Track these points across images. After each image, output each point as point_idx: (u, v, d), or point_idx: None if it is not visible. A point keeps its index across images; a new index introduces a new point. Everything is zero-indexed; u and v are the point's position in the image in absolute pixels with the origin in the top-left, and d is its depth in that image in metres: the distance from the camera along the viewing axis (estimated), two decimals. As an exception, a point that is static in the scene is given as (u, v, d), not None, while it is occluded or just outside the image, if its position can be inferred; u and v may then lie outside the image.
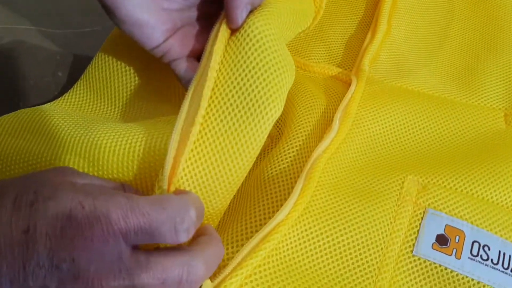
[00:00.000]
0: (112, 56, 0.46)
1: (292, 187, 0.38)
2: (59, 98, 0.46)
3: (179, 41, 0.39)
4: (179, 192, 0.31)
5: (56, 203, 0.25)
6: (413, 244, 0.36)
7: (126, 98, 0.46)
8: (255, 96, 0.32)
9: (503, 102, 0.46)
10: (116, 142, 0.36)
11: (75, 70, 0.54)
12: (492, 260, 0.35)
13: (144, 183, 0.36)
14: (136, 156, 0.35)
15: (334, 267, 0.35)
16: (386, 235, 0.36)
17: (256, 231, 0.36)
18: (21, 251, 0.24)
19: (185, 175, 0.32)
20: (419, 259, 0.35)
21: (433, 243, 0.36)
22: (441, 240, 0.36)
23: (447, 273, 0.35)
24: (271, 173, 0.39)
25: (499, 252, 0.36)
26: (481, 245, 0.36)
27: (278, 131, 0.43)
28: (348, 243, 0.35)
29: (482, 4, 0.55)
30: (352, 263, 0.35)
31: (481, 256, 0.35)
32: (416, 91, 0.46)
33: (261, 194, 0.38)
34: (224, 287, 0.31)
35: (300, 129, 0.41)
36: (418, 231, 0.36)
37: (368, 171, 0.40)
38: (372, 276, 0.35)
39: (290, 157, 0.40)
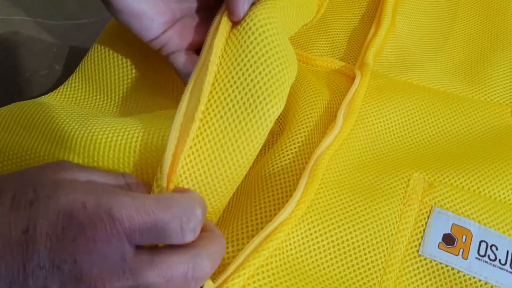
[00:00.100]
0: (109, 48, 0.45)
1: (295, 184, 0.37)
2: (54, 91, 0.45)
3: (178, 33, 0.38)
4: (179, 190, 0.30)
5: (57, 202, 0.25)
6: (419, 244, 0.35)
7: (123, 91, 0.44)
8: (256, 92, 0.31)
9: (510, 97, 0.45)
10: (112, 137, 0.35)
11: (72, 62, 0.52)
12: (500, 260, 0.35)
13: (140, 180, 0.35)
14: (133, 152, 0.34)
15: (338, 267, 0.34)
16: (392, 235, 0.35)
17: (258, 229, 0.35)
18: (20, 251, 0.24)
19: (184, 172, 0.31)
20: (425, 259, 0.35)
21: (439, 243, 0.35)
22: (448, 240, 0.35)
23: (453, 274, 0.34)
24: (273, 169, 0.38)
25: (507, 252, 0.35)
26: (489, 244, 0.35)
27: (279, 126, 0.42)
28: (353, 243, 0.35)
29: (487, -1, 0.54)
30: (357, 263, 0.34)
31: (488, 256, 0.35)
32: (421, 85, 0.45)
33: (262, 191, 0.37)
34: None
35: (302, 124, 0.40)
36: (424, 230, 0.35)
37: (373, 168, 0.39)
38: (377, 277, 0.34)
39: (292, 153, 0.39)
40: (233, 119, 0.32)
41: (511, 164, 0.39)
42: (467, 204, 0.36)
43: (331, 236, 0.35)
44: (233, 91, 0.32)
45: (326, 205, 0.36)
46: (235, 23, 0.34)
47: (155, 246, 0.28)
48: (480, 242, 0.35)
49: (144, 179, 0.35)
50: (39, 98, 0.44)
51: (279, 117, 0.42)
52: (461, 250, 0.35)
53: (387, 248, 0.35)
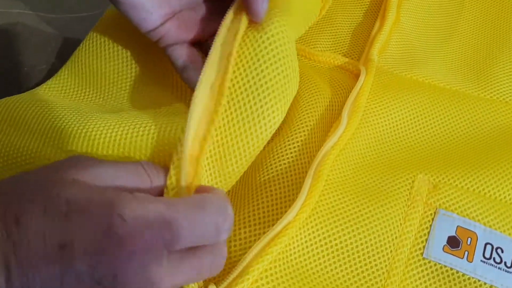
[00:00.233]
0: (103, 40, 0.44)
1: (298, 185, 0.37)
2: (42, 85, 0.44)
3: (177, 25, 0.37)
4: (203, 190, 0.30)
5: (93, 217, 0.24)
6: (424, 247, 0.35)
7: (116, 85, 0.43)
8: (260, 101, 0.32)
9: (517, 96, 0.44)
10: (106, 134, 0.34)
11: (72, 57, 0.52)
12: (505, 263, 0.34)
13: (157, 165, 0.34)
14: (127, 150, 0.34)
15: (342, 270, 0.34)
16: (396, 237, 0.35)
17: (260, 228, 0.35)
18: (58, 266, 0.23)
19: (206, 171, 0.31)
20: (429, 262, 0.34)
21: (444, 246, 0.35)
22: (453, 243, 0.35)
23: (458, 277, 0.34)
24: (275, 169, 0.37)
25: (513, 254, 0.35)
26: (494, 247, 0.35)
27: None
28: (357, 246, 0.34)
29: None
30: (361, 267, 0.34)
31: (494, 259, 0.34)
32: (426, 83, 0.44)
33: (265, 192, 0.37)
34: None
35: (302, 123, 0.40)
36: (428, 232, 0.35)
37: (377, 169, 0.38)
38: (381, 280, 0.34)
39: (293, 152, 0.38)
40: (237, 120, 0.32)
41: (516, 164, 0.38)
42: (472, 206, 0.36)
43: (335, 239, 0.34)
44: (241, 92, 0.32)
45: (330, 207, 0.36)
46: (252, 22, 0.33)
47: None
48: (486, 244, 0.35)
49: None
50: (25, 93, 0.43)
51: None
52: (466, 252, 0.34)
53: (391, 251, 0.34)
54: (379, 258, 0.34)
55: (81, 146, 0.34)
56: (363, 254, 0.34)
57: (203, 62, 0.33)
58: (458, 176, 0.37)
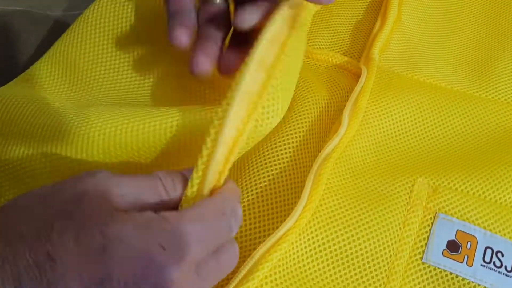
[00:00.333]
0: (91, 27, 0.42)
1: (295, 189, 0.37)
2: (16, 79, 0.42)
3: None
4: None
5: (130, 248, 0.24)
6: (423, 251, 0.34)
7: (95, 79, 0.41)
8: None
9: (518, 97, 0.43)
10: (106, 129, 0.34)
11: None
12: (505, 267, 0.34)
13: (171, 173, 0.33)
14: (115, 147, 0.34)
15: (341, 275, 0.34)
16: (395, 242, 0.35)
17: (260, 237, 0.35)
18: None
19: None
20: (429, 266, 0.34)
21: (443, 250, 0.34)
22: (452, 247, 0.34)
23: (458, 281, 0.34)
24: (271, 173, 0.37)
25: (513, 258, 0.34)
26: (494, 251, 0.34)
27: None
28: (356, 251, 0.34)
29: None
30: (360, 272, 0.34)
31: (494, 263, 0.34)
32: (428, 82, 0.44)
33: (261, 198, 0.36)
34: None
35: (299, 125, 0.40)
36: (428, 237, 0.35)
37: (377, 172, 0.38)
38: (380, 285, 0.33)
39: (288, 156, 0.38)
40: None
41: (517, 167, 0.38)
42: (472, 210, 0.35)
43: (334, 244, 0.34)
44: None
45: (330, 211, 0.35)
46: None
47: None
48: (486, 248, 0.35)
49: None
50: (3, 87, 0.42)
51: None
52: (466, 257, 0.34)
53: (390, 256, 0.34)
54: (378, 263, 0.34)
55: (76, 147, 0.34)
56: (363, 259, 0.34)
57: None
58: (458, 179, 0.37)
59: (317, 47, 0.47)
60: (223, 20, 0.35)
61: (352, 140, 0.39)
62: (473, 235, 0.35)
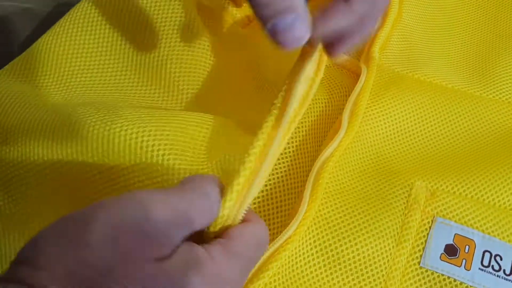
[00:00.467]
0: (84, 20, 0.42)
1: (294, 194, 0.37)
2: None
3: None
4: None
5: None
6: (421, 255, 0.34)
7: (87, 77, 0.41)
8: None
9: (520, 96, 0.43)
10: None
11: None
12: (504, 270, 0.34)
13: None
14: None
15: (339, 281, 0.34)
16: (393, 247, 0.35)
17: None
18: None
19: None
20: (426, 271, 0.34)
21: (441, 254, 0.34)
22: (450, 251, 0.34)
23: (456, 285, 0.34)
24: (270, 176, 0.37)
25: (512, 262, 0.34)
26: (493, 254, 0.34)
27: None
28: (354, 257, 0.34)
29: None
30: (358, 277, 0.34)
31: (492, 266, 0.34)
32: (428, 81, 0.43)
33: (261, 199, 0.36)
34: None
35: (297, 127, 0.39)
36: (426, 241, 0.35)
37: (375, 175, 0.38)
38: (378, 290, 0.33)
39: (288, 155, 0.38)
40: None
41: (517, 168, 0.37)
42: (471, 213, 0.35)
43: (331, 250, 0.34)
44: None
45: (328, 216, 0.36)
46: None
47: None
48: (484, 252, 0.34)
49: None
50: None
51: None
52: (464, 261, 0.34)
53: (388, 261, 0.34)
54: (376, 268, 0.34)
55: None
56: (360, 265, 0.34)
57: None
58: (456, 182, 0.37)
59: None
60: None
61: (351, 143, 0.39)
62: (471, 239, 0.35)
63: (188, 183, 0.27)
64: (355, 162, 0.39)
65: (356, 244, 0.35)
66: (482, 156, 0.39)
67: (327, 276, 0.34)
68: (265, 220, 0.36)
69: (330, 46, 0.31)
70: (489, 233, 0.35)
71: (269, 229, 0.37)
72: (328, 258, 0.34)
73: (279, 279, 0.33)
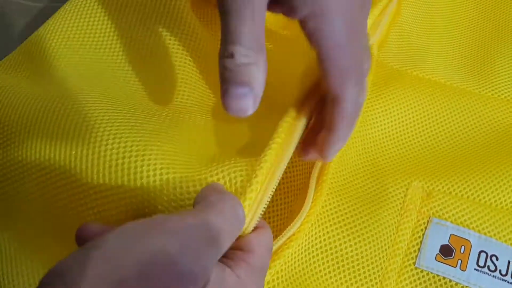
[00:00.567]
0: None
1: (296, 190, 0.37)
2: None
3: None
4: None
5: None
6: (416, 256, 0.34)
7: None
8: None
9: (519, 94, 0.42)
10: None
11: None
12: (500, 271, 0.34)
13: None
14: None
15: (336, 280, 0.34)
16: (388, 247, 0.35)
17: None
18: None
19: None
20: (422, 271, 0.34)
21: (436, 255, 0.34)
22: (446, 251, 0.34)
23: (451, 286, 0.34)
24: None
25: (508, 262, 0.34)
26: (489, 255, 0.34)
27: None
28: (352, 256, 0.34)
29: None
30: (354, 277, 0.34)
31: (488, 267, 0.34)
32: (426, 78, 0.43)
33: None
34: None
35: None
36: (421, 241, 0.35)
37: (373, 173, 0.38)
38: (373, 290, 0.33)
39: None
40: None
41: (514, 167, 0.37)
42: (467, 214, 0.35)
43: (330, 248, 0.35)
44: None
45: (331, 214, 0.36)
46: None
47: None
48: (480, 252, 0.34)
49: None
50: None
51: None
52: (459, 261, 0.34)
53: (383, 262, 0.34)
54: (372, 268, 0.34)
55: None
56: (358, 264, 0.34)
57: None
58: (453, 182, 0.37)
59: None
60: None
61: (351, 139, 0.38)
62: (467, 239, 0.35)
63: (214, 203, 0.26)
64: (354, 158, 0.38)
65: (355, 244, 0.35)
66: (479, 155, 0.39)
67: (325, 274, 0.34)
68: (266, 217, 0.36)
69: None
70: (485, 234, 0.35)
71: (271, 226, 0.37)
72: (328, 256, 0.34)
73: (282, 276, 0.34)
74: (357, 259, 0.34)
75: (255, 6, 0.27)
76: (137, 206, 0.29)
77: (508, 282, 0.34)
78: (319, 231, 0.35)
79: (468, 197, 0.36)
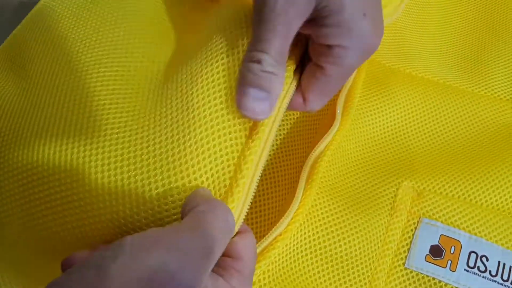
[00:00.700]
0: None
1: (287, 187, 0.36)
2: None
3: None
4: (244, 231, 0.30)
5: None
6: (406, 256, 0.34)
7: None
8: None
9: (511, 93, 0.42)
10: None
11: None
12: (490, 271, 0.34)
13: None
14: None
15: (325, 280, 0.34)
16: (378, 247, 0.34)
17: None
18: None
19: None
20: (411, 272, 0.34)
21: (426, 255, 0.34)
22: (435, 252, 0.34)
23: (441, 287, 0.34)
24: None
25: (499, 262, 0.34)
26: (479, 255, 0.34)
27: None
28: (341, 256, 0.34)
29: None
30: (344, 277, 0.34)
31: (478, 267, 0.34)
32: (419, 76, 0.43)
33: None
34: None
35: (286, 117, 0.40)
36: (411, 242, 0.34)
37: (364, 173, 0.38)
38: (362, 290, 0.33)
39: (278, 146, 0.38)
40: None
41: (508, 167, 0.37)
42: (457, 214, 0.35)
43: (320, 248, 0.34)
44: None
45: (321, 213, 0.35)
46: None
47: None
48: (470, 253, 0.34)
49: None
50: None
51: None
52: (449, 262, 0.34)
53: (373, 262, 0.34)
54: (362, 268, 0.34)
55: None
56: (347, 265, 0.34)
57: None
58: (443, 182, 0.36)
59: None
60: None
61: (344, 137, 0.38)
62: (457, 240, 0.34)
63: (205, 213, 0.26)
64: (346, 157, 0.38)
65: (345, 244, 0.34)
66: (471, 155, 0.38)
67: (314, 274, 0.34)
68: (253, 218, 0.36)
69: None
70: (475, 234, 0.34)
71: (259, 226, 0.37)
72: (316, 256, 0.34)
73: (269, 276, 0.33)
74: (347, 259, 0.34)
75: (292, 27, 0.29)
76: (119, 221, 0.29)
77: (497, 282, 0.34)
78: (309, 231, 0.35)
79: (459, 197, 0.36)
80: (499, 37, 0.45)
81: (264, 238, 0.33)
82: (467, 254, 0.34)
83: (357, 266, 0.34)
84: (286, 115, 0.40)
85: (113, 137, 0.30)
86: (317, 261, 0.34)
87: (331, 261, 0.34)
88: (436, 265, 0.34)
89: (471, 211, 0.35)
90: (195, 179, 0.28)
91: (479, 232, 0.35)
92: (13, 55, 0.39)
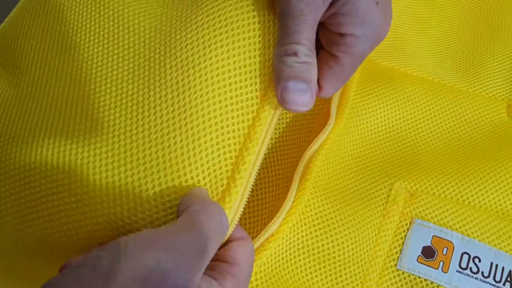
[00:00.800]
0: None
1: (280, 186, 0.36)
2: None
3: None
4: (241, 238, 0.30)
5: None
6: (398, 257, 0.34)
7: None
8: None
9: (506, 92, 0.42)
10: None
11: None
12: (482, 273, 0.34)
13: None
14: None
15: (318, 281, 0.34)
16: (370, 248, 0.34)
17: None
18: None
19: None
20: (403, 273, 0.34)
21: (418, 256, 0.34)
22: (427, 253, 0.34)
23: (432, 288, 0.33)
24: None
25: (491, 264, 0.34)
26: (471, 256, 0.34)
27: None
28: (334, 257, 0.34)
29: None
30: (336, 278, 0.34)
31: (470, 268, 0.34)
32: (414, 75, 0.42)
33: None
34: None
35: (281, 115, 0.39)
36: (403, 243, 0.34)
37: (357, 172, 0.38)
38: (354, 291, 0.33)
39: (272, 145, 0.38)
40: None
41: (501, 167, 0.37)
42: (450, 215, 0.35)
43: (313, 249, 0.34)
44: None
45: (314, 214, 0.35)
46: None
47: None
48: (462, 254, 0.34)
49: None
50: None
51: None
52: (441, 263, 0.34)
53: (365, 263, 0.34)
54: (354, 269, 0.34)
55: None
56: (340, 265, 0.34)
57: None
58: (437, 183, 0.36)
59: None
60: None
61: (338, 136, 0.38)
62: (449, 241, 0.34)
63: (199, 212, 0.26)
64: (340, 156, 0.38)
65: (338, 244, 0.34)
66: (465, 155, 0.38)
67: (306, 275, 0.34)
68: (247, 218, 0.36)
69: None
70: (468, 235, 0.34)
71: (253, 226, 0.37)
72: (309, 256, 0.34)
73: (261, 277, 0.33)
74: (339, 260, 0.34)
75: (318, 14, 0.30)
76: (116, 222, 0.29)
77: (490, 284, 0.33)
78: (302, 231, 0.34)
79: (452, 197, 0.36)
80: (494, 36, 0.45)
81: (256, 238, 0.33)
82: (460, 255, 0.34)
83: (349, 267, 0.34)
84: (281, 114, 0.40)
85: (110, 137, 0.30)
86: (309, 262, 0.34)
87: (324, 261, 0.34)
88: (428, 266, 0.34)
89: (464, 211, 0.35)
90: (192, 178, 0.28)
91: (472, 233, 0.34)
92: (2, 50, 0.39)
